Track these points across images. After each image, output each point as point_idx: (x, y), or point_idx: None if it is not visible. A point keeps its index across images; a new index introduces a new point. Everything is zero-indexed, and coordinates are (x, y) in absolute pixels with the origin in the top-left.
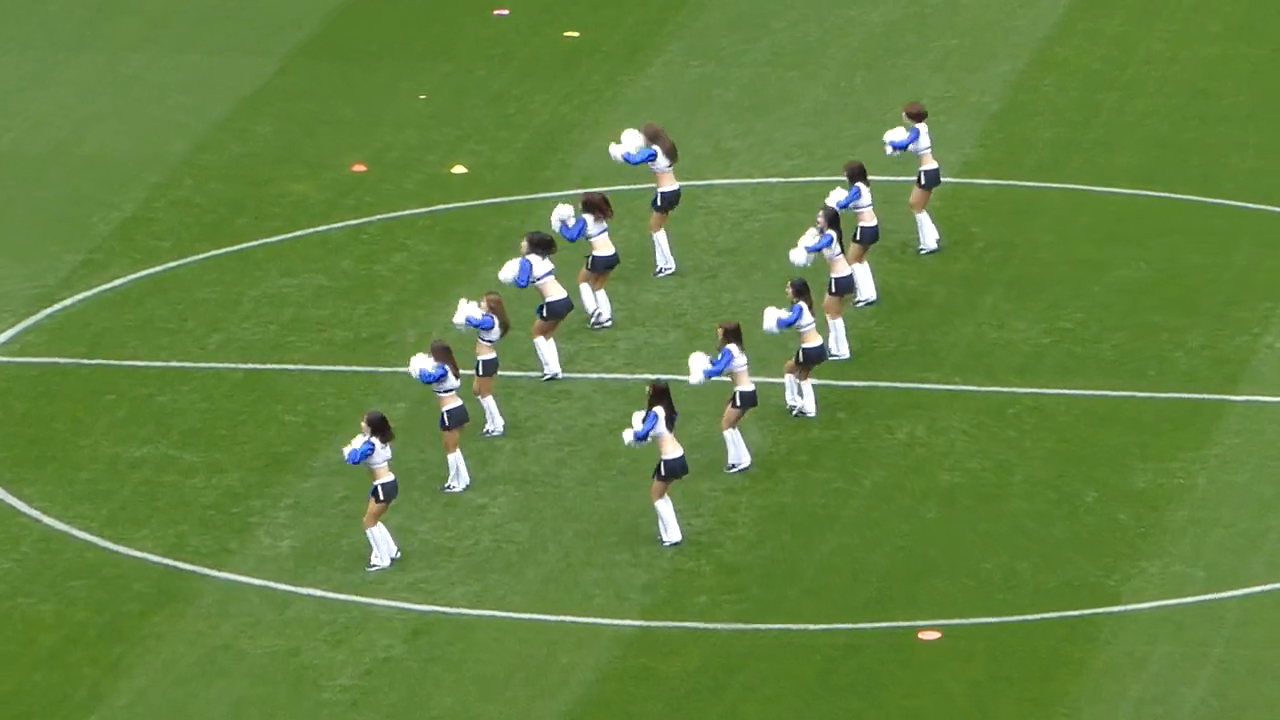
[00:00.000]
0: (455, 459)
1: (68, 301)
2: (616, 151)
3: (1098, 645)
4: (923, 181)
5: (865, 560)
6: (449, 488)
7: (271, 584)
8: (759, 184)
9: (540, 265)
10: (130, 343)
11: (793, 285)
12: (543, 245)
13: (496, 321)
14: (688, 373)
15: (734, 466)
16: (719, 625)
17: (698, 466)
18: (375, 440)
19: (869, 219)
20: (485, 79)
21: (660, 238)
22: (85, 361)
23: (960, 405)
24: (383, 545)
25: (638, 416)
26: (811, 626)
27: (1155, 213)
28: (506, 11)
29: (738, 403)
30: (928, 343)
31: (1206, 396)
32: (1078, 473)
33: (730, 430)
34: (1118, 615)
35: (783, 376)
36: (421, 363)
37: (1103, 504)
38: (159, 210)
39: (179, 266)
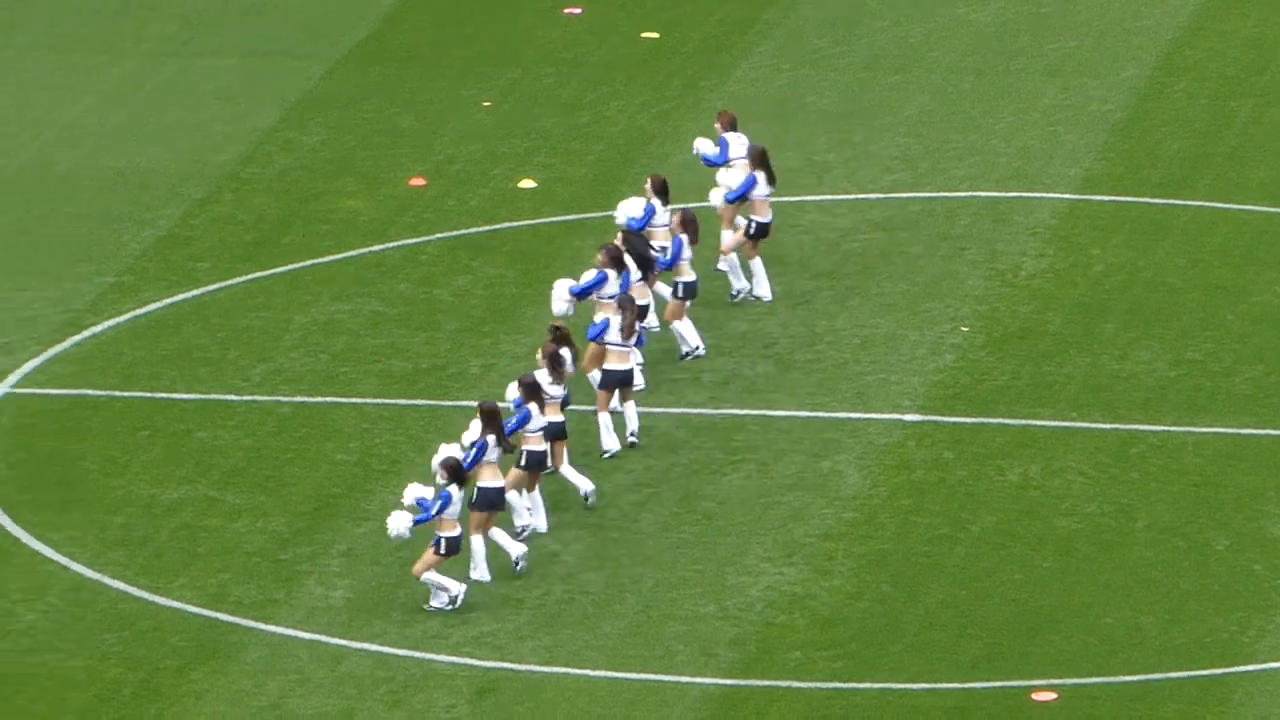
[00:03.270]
0: (529, 501)
1: (98, 328)
2: (721, 186)
3: (1230, 708)
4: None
5: (974, 614)
6: (529, 527)
7: (323, 638)
8: (856, 200)
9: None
10: (166, 373)
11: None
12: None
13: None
14: (775, 406)
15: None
16: (814, 684)
17: (788, 511)
18: (453, 489)
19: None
20: (555, 85)
21: (754, 264)
22: (117, 394)
23: (1078, 444)
24: (445, 580)
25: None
26: (915, 686)
27: None
28: (579, 11)
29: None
30: (1042, 375)
31: None
32: (1208, 518)
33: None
34: (1252, 675)
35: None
36: (511, 394)
37: (1235, 552)
38: (197, 228)
39: (220, 290)
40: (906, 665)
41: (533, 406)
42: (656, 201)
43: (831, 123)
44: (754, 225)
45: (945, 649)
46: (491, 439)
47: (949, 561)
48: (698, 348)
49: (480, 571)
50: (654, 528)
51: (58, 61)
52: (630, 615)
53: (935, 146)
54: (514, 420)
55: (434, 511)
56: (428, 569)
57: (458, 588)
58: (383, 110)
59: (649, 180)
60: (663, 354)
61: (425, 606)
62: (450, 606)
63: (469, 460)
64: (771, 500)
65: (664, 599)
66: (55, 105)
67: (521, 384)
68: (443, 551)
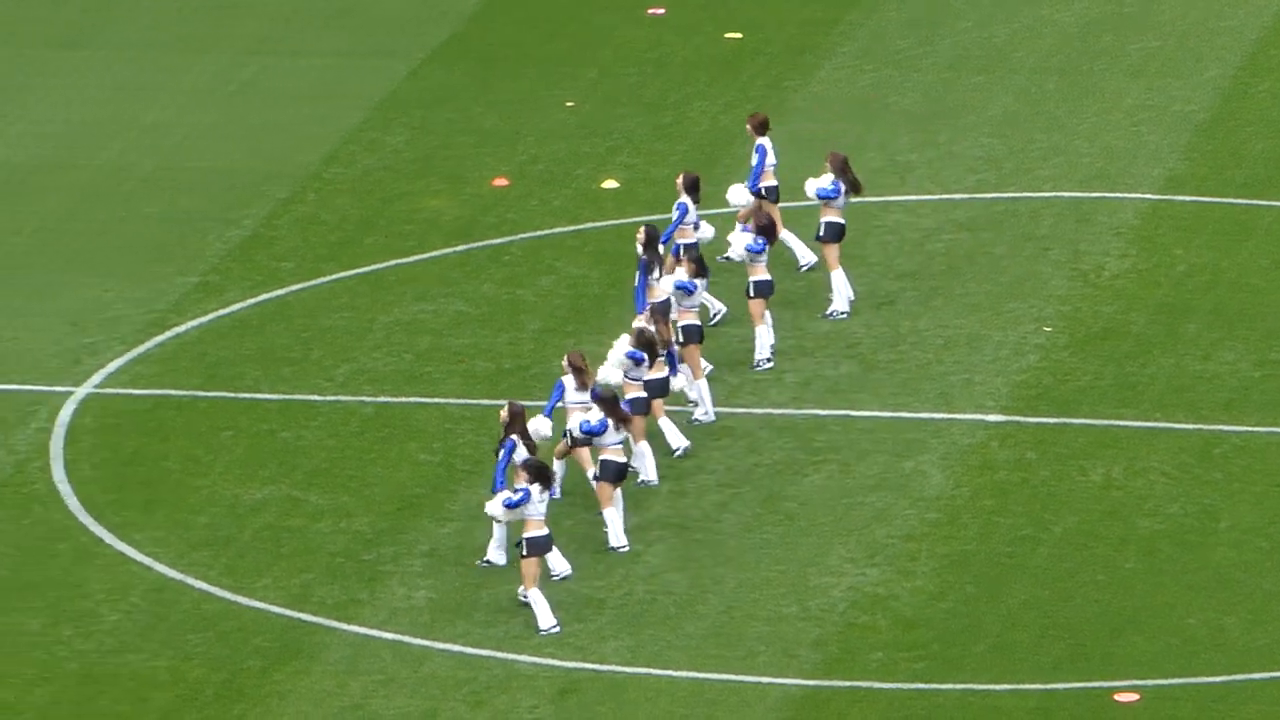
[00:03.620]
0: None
1: (181, 328)
2: (810, 188)
3: None
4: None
5: (1056, 614)
6: (619, 549)
7: (405, 638)
8: (940, 200)
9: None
10: (250, 373)
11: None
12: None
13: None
14: (858, 407)
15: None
16: (896, 685)
17: (871, 511)
18: (534, 487)
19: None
20: (638, 85)
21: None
22: (200, 394)
23: (1161, 444)
24: (544, 607)
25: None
26: (997, 687)
27: None
28: (662, 11)
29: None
30: (1125, 376)
31: None
32: None
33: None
34: None
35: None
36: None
37: None
38: (281, 228)
39: (303, 290)
40: (989, 666)
41: (608, 420)
42: (688, 199)
43: (915, 123)
44: (824, 226)
45: (1027, 650)
46: (517, 438)
47: (1031, 562)
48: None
49: (545, 620)
50: (736, 528)
51: (140, 62)
52: (712, 616)
53: (1019, 147)
54: (593, 424)
55: (516, 501)
56: (533, 583)
57: (547, 624)
58: (466, 110)
59: (680, 176)
60: (746, 354)
61: (519, 597)
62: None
63: (501, 461)
64: (854, 501)
65: (746, 599)
66: (138, 106)
67: (599, 399)
68: (524, 552)
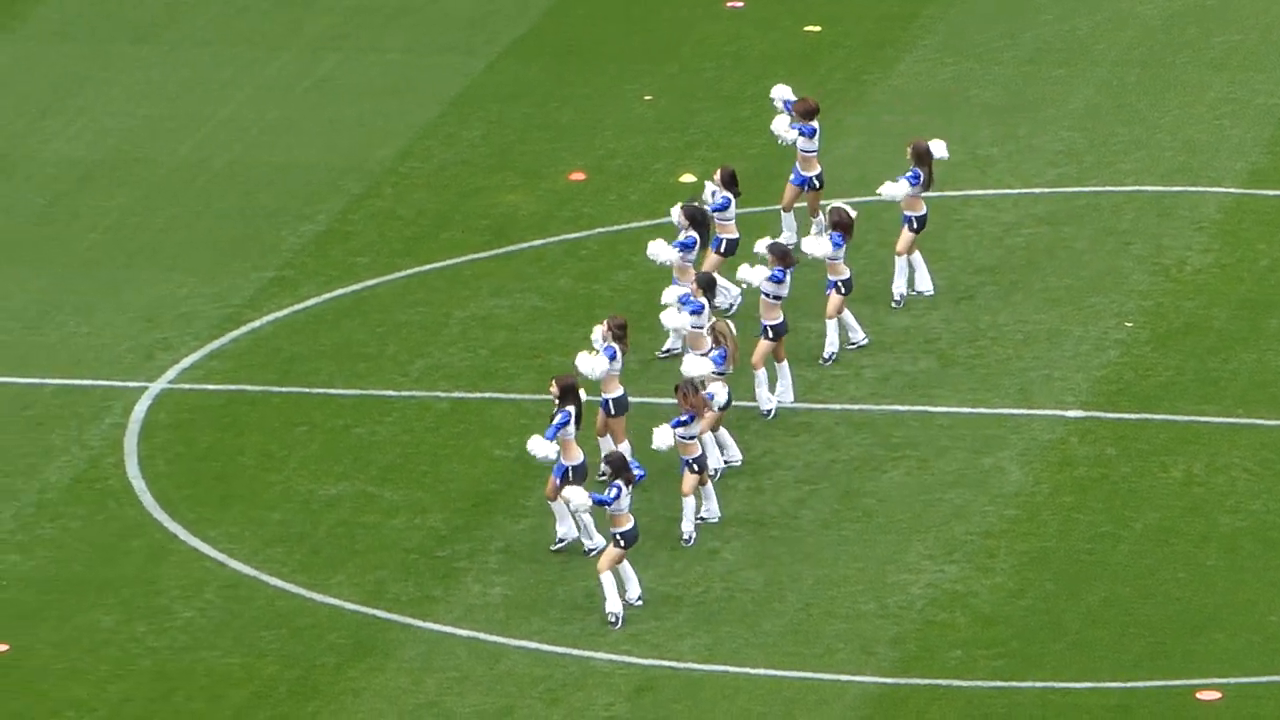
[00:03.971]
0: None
1: (255, 324)
2: (889, 191)
3: None
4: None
5: (1137, 612)
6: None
7: (481, 635)
8: (1021, 194)
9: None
10: (324, 369)
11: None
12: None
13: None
14: (936, 402)
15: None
16: (975, 683)
17: (950, 508)
18: (620, 483)
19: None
20: (716, 79)
21: (914, 258)
22: (275, 390)
23: (1243, 440)
24: (614, 590)
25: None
26: (1077, 685)
27: None
28: (741, 4)
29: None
30: (1206, 371)
31: None
32: None
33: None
34: None
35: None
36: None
37: None
38: (356, 223)
39: (378, 285)
40: (1069, 664)
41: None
42: (728, 193)
43: (995, 116)
44: (914, 220)
45: (1108, 647)
46: (572, 410)
47: (1112, 559)
48: (858, 340)
49: (613, 602)
50: (814, 525)
51: (214, 56)
52: (790, 613)
53: (1100, 140)
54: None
55: (609, 499)
56: (609, 565)
57: (617, 606)
58: (543, 105)
59: (718, 171)
60: (820, 352)
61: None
62: (612, 621)
63: (549, 431)
64: (932, 497)
65: (824, 597)
66: (212, 101)
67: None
68: (623, 545)
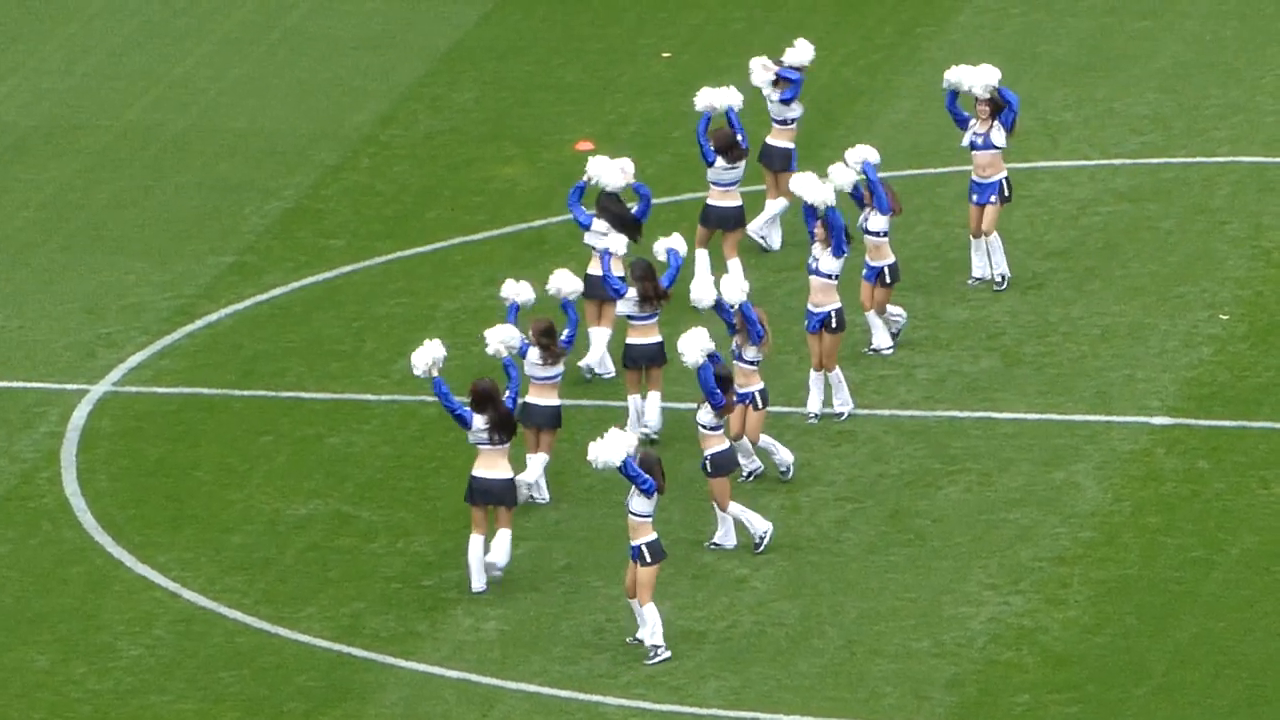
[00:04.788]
0: (728, 515)
1: (213, 317)
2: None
3: None
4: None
5: (1232, 650)
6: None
7: (472, 677)
8: (1098, 166)
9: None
10: (292, 369)
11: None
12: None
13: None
14: (1000, 408)
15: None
16: None
17: (1015, 530)
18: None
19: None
20: (746, 32)
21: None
22: (235, 393)
23: None
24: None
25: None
26: None
27: None
28: None
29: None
30: None
31: None
32: None
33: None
34: None
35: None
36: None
37: None
38: (330, 200)
39: (354, 272)
40: (1153, 710)
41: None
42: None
43: (1070, 76)
44: (1005, 186)
45: (1199, 691)
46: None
47: (1203, 589)
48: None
49: (646, 632)
50: (858, 549)
51: (166, 4)
52: (830, 651)
53: (1191, 104)
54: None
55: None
56: (649, 592)
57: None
58: (545, 62)
59: (713, 138)
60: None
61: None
62: (652, 656)
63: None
64: (995, 518)
65: (869, 632)
66: (164, 57)
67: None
68: (649, 560)
